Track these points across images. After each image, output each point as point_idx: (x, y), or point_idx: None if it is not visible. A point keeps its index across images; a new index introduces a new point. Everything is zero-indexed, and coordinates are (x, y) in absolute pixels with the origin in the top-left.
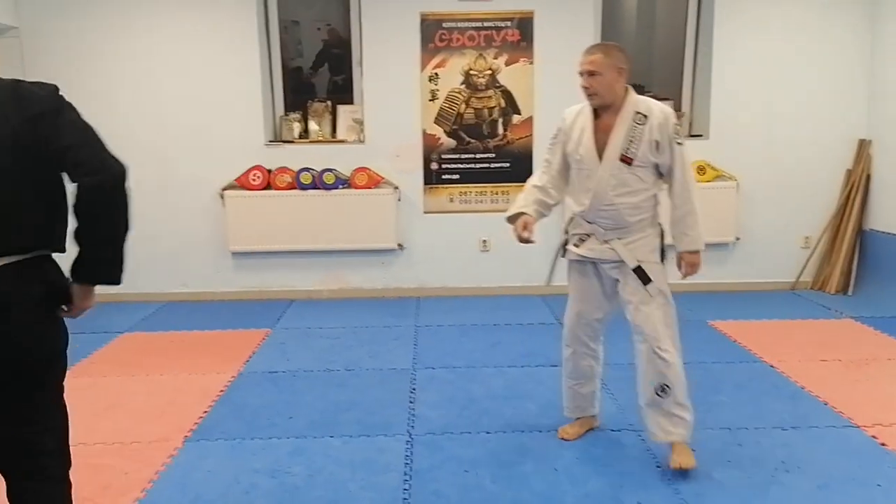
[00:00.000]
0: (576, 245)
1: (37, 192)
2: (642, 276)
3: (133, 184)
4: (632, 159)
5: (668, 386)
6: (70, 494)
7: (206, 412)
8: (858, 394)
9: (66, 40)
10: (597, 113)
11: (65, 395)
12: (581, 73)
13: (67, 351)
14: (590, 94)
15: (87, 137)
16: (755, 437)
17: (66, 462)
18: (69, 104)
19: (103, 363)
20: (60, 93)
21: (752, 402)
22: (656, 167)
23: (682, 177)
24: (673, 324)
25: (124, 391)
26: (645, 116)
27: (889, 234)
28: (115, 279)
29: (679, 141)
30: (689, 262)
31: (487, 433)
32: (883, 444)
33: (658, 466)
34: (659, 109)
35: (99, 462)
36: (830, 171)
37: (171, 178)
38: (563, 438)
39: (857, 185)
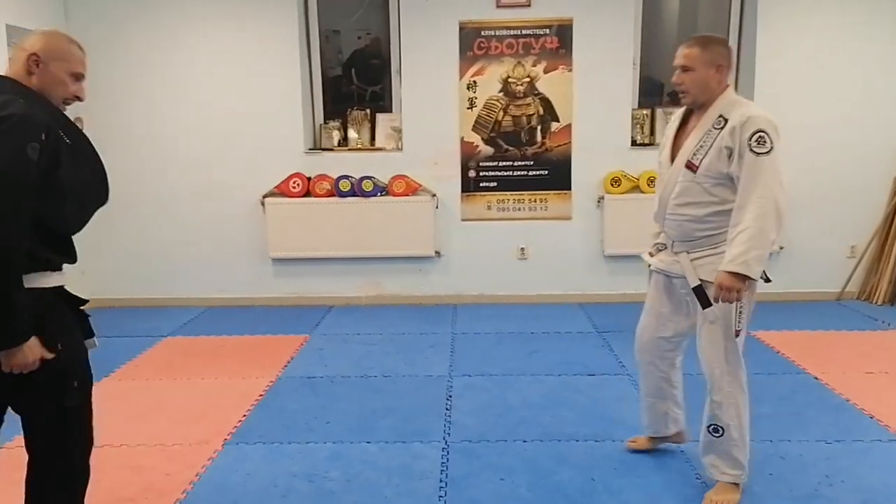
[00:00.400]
0: (651, 254)
1: None
2: (702, 297)
3: (176, 190)
4: (696, 167)
5: (720, 427)
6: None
7: (245, 416)
8: None
9: (113, 48)
10: (690, 113)
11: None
12: (674, 67)
13: None
14: (680, 91)
15: None
16: (798, 450)
17: None
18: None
19: (147, 366)
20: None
21: (795, 415)
22: (732, 180)
23: (747, 189)
24: (734, 359)
25: (166, 394)
26: (725, 120)
27: None
28: None
29: (759, 150)
30: (718, 282)
31: (524, 441)
32: None
33: (698, 478)
34: (740, 113)
35: (141, 463)
36: (877, 178)
37: (214, 185)
38: (630, 447)
39: None
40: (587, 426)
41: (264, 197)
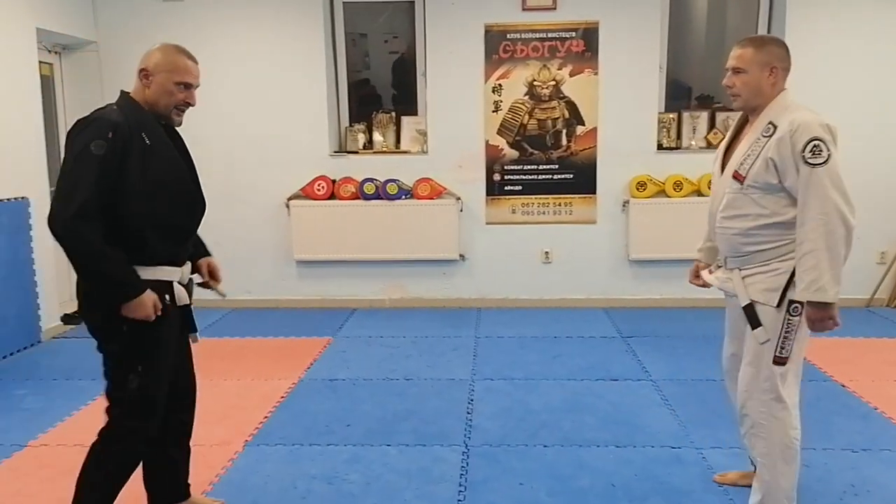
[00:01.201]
0: (710, 271)
1: None
2: (751, 317)
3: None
4: (743, 177)
5: (753, 461)
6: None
7: (266, 417)
8: None
9: (140, 52)
10: (747, 119)
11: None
12: (725, 69)
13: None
14: (731, 94)
15: (61, 174)
16: (823, 459)
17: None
18: (79, 135)
19: None
20: (83, 121)
21: (821, 422)
22: (786, 191)
23: (807, 204)
24: (770, 387)
25: None
26: (774, 127)
27: None
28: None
29: (814, 161)
30: (808, 316)
31: (545, 446)
32: None
33: (721, 486)
34: (790, 120)
35: None
36: None
37: (239, 187)
38: (716, 481)
39: None
40: (608, 432)
41: (289, 199)
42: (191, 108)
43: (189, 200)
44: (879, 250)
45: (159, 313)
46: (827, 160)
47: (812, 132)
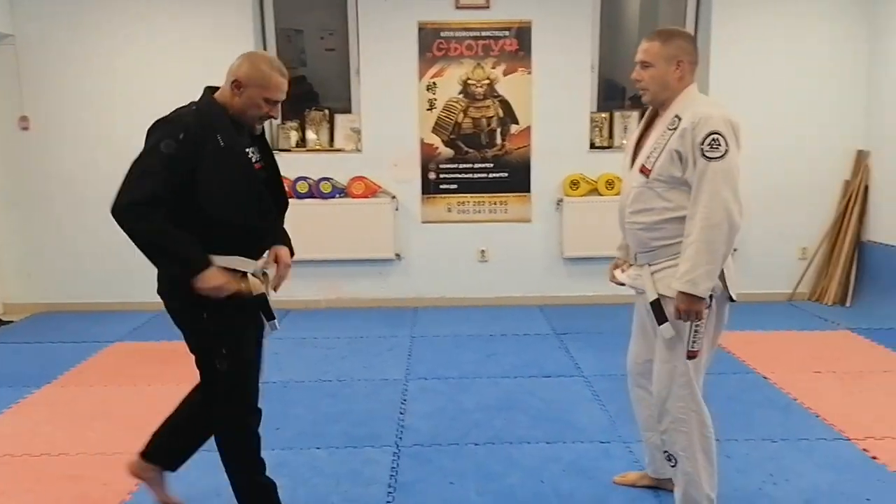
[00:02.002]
0: (623, 269)
1: None
2: (658, 313)
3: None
4: (650, 171)
5: (672, 456)
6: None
7: None
8: (851, 406)
9: (61, 47)
10: (657, 113)
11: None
12: (634, 63)
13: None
14: (640, 88)
15: (129, 168)
16: (745, 450)
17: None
18: (152, 134)
19: (91, 373)
20: (160, 120)
21: (743, 414)
22: (688, 184)
23: (698, 198)
24: (685, 382)
25: (111, 401)
26: (679, 120)
27: (887, 245)
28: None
29: (711, 155)
30: (675, 304)
31: (476, 445)
32: (874, 458)
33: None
34: (693, 113)
35: (79, 473)
36: (828, 181)
37: None
38: (616, 482)
39: (855, 196)
40: (539, 429)
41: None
42: (118, 104)
43: (261, 202)
44: (801, 246)
45: (237, 289)
46: (724, 155)
47: (712, 126)
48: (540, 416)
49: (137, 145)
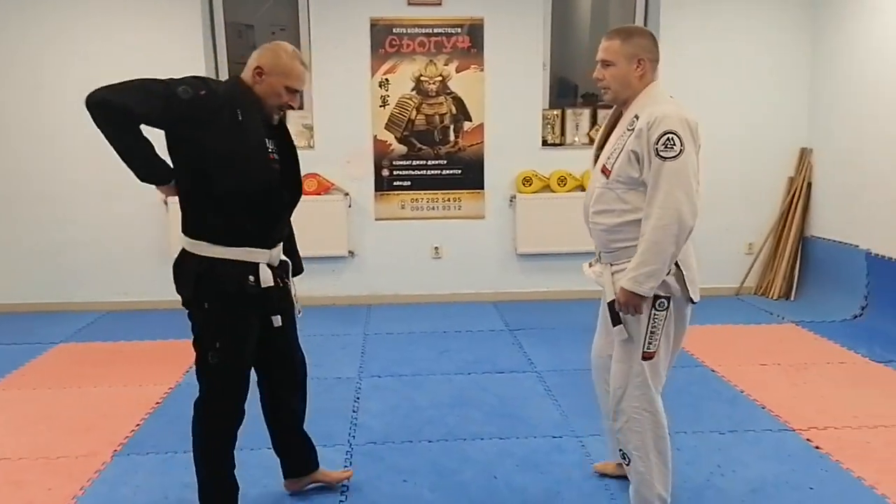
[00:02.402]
0: (590, 265)
1: None
2: (613, 313)
3: (72, 188)
4: (609, 171)
5: (626, 455)
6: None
7: (138, 425)
8: (796, 397)
9: (5, 40)
10: (621, 113)
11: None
12: (595, 62)
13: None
14: (601, 87)
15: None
16: (693, 442)
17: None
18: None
19: (34, 375)
20: (192, 75)
21: (691, 406)
22: (646, 185)
23: (653, 198)
24: (640, 383)
25: (54, 404)
26: (636, 119)
27: (829, 240)
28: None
29: (665, 154)
30: (618, 297)
31: (429, 442)
32: (817, 448)
33: (595, 473)
34: (649, 113)
35: (21, 478)
36: (773, 178)
37: (113, 183)
38: (596, 470)
39: (799, 193)
40: (492, 425)
41: (167, 196)
42: (58, 98)
43: (275, 184)
44: (747, 242)
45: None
46: (678, 155)
47: (668, 125)
48: (493, 411)
49: (83, 143)
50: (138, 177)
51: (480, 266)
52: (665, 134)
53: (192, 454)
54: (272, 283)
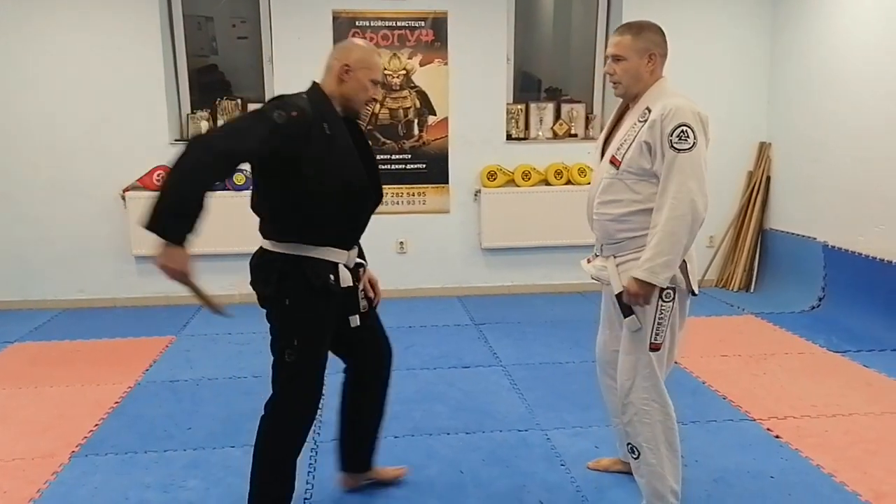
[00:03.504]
0: (588, 260)
1: None
2: (623, 305)
3: (25, 184)
4: (620, 161)
5: (635, 448)
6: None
7: (97, 425)
8: (756, 388)
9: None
10: (627, 106)
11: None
12: (606, 56)
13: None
14: (612, 82)
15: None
16: None
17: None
18: (269, 105)
19: None
20: (274, 97)
21: None
22: (657, 176)
23: (665, 189)
24: (649, 374)
25: (8, 405)
26: (649, 112)
27: (788, 233)
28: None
29: (680, 146)
30: (626, 287)
31: (395, 437)
32: (777, 437)
33: (562, 465)
34: (662, 105)
35: None
36: (733, 172)
37: (68, 178)
38: (590, 468)
39: (758, 187)
40: (458, 419)
41: (125, 191)
42: (10, 94)
43: (363, 191)
44: (709, 234)
45: (192, 285)
46: (692, 147)
47: (681, 118)
48: (459, 406)
49: (35, 137)
50: (166, 229)
51: (445, 261)
52: (679, 126)
53: (252, 453)
54: (350, 284)
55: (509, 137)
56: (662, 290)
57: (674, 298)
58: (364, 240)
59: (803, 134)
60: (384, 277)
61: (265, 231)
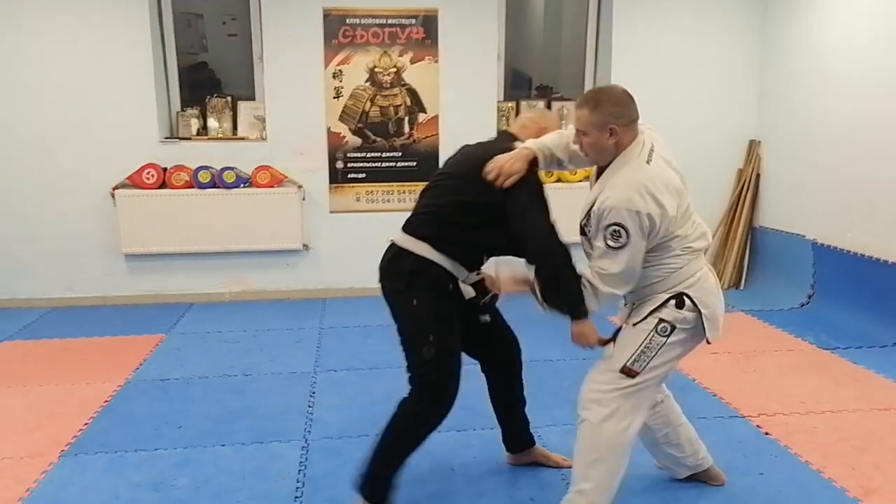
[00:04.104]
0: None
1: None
2: (614, 336)
3: (14, 182)
4: (586, 231)
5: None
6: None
7: (87, 424)
8: (745, 385)
9: None
10: None
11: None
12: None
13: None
14: (583, 153)
15: (526, 217)
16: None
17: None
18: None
19: None
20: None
21: None
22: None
23: (594, 257)
24: (605, 394)
25: None
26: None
27: (777, 230)
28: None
29: (613, 245)
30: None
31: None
32: (766, 434)
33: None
34: (604, 197)
35: None
36: (723, 170)
37: (56, 176)
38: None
39: (748, 184)
40: (450, 417)
41: (115, 189)
42: (1, 90)
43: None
44: None
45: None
46: (624, 246)
47: (614, 218)
48: None
49: (23, 134)
50: (580, 313)
51: None
52: (612, 226)
53: (380, 439)
54: (473, 296)
55: None
56: (659, 322)
57: (669, 334)
58: (353, 236)
59: (793, 132)
60: (375, 275)
61: (415, 230)
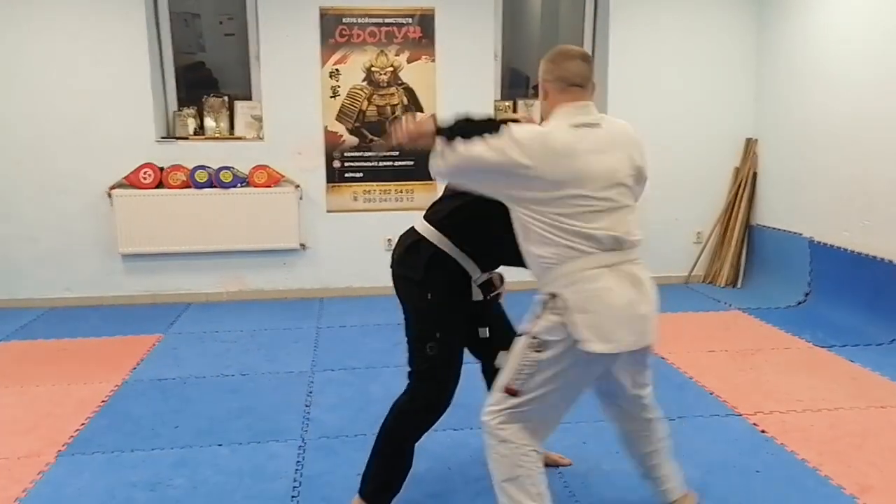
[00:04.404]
0: None
1: None
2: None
3: (11, 182)
4: None
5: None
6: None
7: (83, 424)
8: (742, 383)
9: None
10: None
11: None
12: None
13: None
14: None
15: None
16: None
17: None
18: None
19: None
20: None
21: None
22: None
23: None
24: (493, 413)
25: None
26: None
27: (774, 228)
28: None
29: (486, 136)
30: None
31: None
32: (763, 432)
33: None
34: None
35: None
36: (720, 168)
37: (53, 176)
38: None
39: (745, 183)
40: (447, 416)
41: (111, 189)
42: None
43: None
44: (696, 231)
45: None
46: (485, 141)
47: (504, 128)
48: None
49: (20, 134)
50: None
51: None
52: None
53: (378, 434)
54: (481, 298)
55: None
56: (532, 337)
57: (542, 351)
58: (350, 236)
59: (790, 130)
60: (372, 274)
61: (434, 218)
